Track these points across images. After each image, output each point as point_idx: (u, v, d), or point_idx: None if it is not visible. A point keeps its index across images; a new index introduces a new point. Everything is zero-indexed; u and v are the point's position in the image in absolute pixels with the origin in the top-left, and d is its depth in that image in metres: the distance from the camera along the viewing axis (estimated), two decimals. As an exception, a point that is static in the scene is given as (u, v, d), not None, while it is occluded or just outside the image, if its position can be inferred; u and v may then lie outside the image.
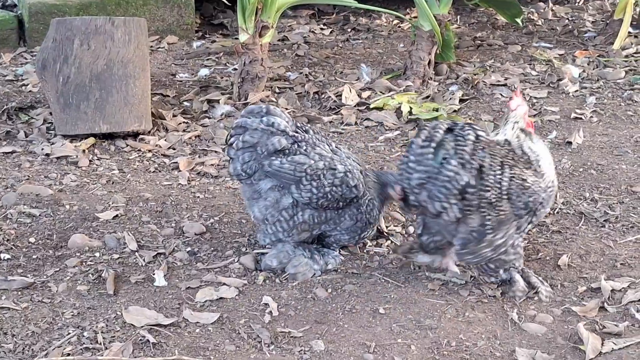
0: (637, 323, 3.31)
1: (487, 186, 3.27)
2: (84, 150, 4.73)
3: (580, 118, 5.25)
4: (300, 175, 3.55)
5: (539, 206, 3.40)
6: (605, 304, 3.43)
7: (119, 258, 3.71)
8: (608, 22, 6.81)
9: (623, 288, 3.51)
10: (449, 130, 3.29)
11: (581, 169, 4.61)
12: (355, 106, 5.39)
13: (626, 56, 6.27)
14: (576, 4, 7.76)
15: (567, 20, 7.30)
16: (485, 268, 3.49)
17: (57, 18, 5.05)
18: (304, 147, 3.59)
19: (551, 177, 3.45)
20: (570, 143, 4.89)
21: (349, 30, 7.10)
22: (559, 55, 6.33)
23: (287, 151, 3.57)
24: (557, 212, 4.14)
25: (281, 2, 5.40)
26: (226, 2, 5.69)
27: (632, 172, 4.59)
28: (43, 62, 4.87)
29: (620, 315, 3.38)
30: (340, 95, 5.49)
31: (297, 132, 3.62)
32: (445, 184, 3.24)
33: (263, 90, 5.43)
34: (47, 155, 4.71)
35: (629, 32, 6.65)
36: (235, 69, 5.86)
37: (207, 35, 6.88)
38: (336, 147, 3.70)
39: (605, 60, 6.18)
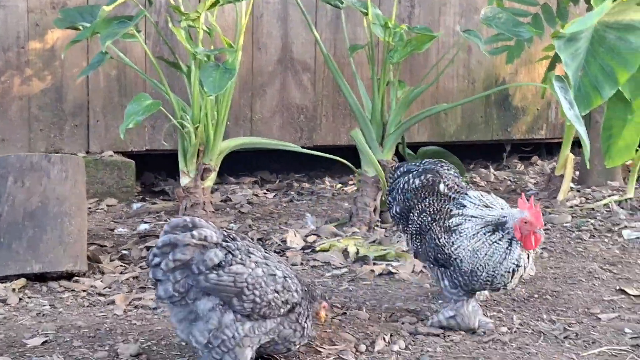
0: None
1: None
2: (14, 289, 4.47)
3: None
4: (242, 286, 3.28)
5: None
6: (573, 406, 3.22)
7: (47, 379, 3.42)
8: (550, 179, 6.85)
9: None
10: None
11: (536, 295, 4.45)
12: (300, 249, 5.24)
13: (570, 207, 6.26)
14: (517, 169, 7.83)
15: (509, 182, 7.33)
16: None
17: (-9, 157, 4.88)
18: (239, 256, 3.33)
19: None
20: (522, 274, 4.76)
21: (293, 193, 7.02)
22: (505, 207, 6.28)
23: (222, 263, 3.29)
24: (515, 331, 3.96)
25: (224, 145, 5.34)
26: None
27: (589, 297, 4.45)
28: (-26, 203, 4.68)
29: (591, 417, 3.16)
30: (285, 240, 5.34)
31: (226, 241, 3.36)
32: None
33: (205, 235, 5.25)
34: (-25, 296, 4.44)
35: (571, 187, 6.69)
36: (176, 221, 5.69)
37: (148, 199, 6.75)
38: (267, 252, 3.49)
39: (551, 211, 6.15)
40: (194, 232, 3.27)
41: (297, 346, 3.53)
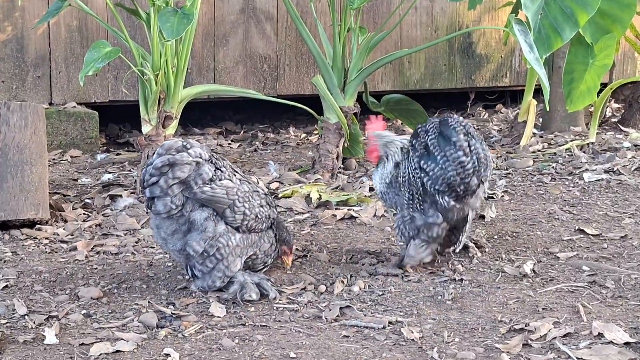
0: (563, 355, 3.14)
1: None
2: (-25, 238, 4.47)
3: (492, 197, 5.18)
4: (233, 198, 3.58)
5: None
6: (529, 340, 3.26)
7: (7, 322, 3.42)
8: (513, 125, 6.88)
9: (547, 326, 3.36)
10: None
11: (496, 237, 4.50)
12: (263, 196, 5.25)
13: (533, 152, 6.29)
14: (481, 117, 7.86)
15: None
16: None
17: (-51, 108, 4.84)
18: (227, 172, 3.62)
19: None
20: (483, 217, 4.79)
21: (257, 143, 7.02)
22: (468, 153, 6.30)
23: (213, 177, 3.56)
24: (473, 270, 4.01)
25: (185, 93, 5.31)
26: None
27: (548, 237, 4.50)
28: None
29: (546, 349, 3.20)
30: (248, 187, 5.35)
31: (215, 159, 3.64)
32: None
33: (167, 182, 5.24)
34: (-64, 244, 4.44)
35: (534, 133, 6.73)
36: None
37: (112, 150, 6.73)
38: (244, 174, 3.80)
39: (513, 156, 6.18)
40: (190, 151, 3.51)
41: (272, 261, 3.85)
